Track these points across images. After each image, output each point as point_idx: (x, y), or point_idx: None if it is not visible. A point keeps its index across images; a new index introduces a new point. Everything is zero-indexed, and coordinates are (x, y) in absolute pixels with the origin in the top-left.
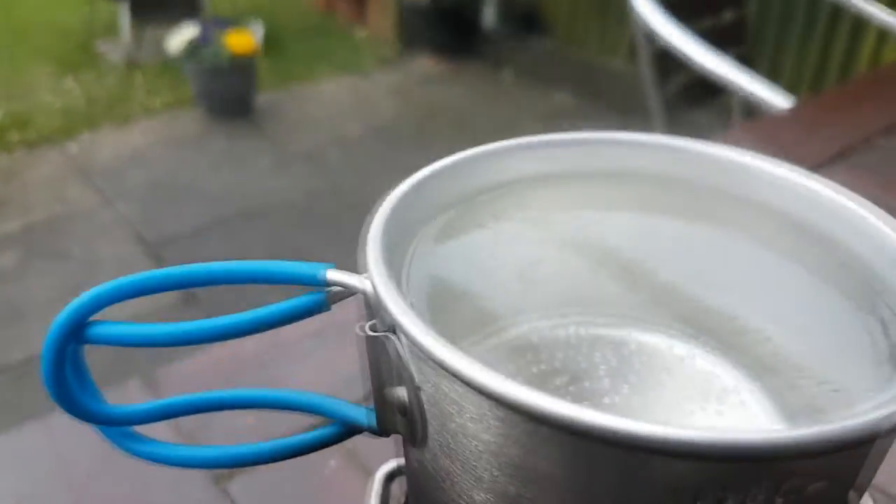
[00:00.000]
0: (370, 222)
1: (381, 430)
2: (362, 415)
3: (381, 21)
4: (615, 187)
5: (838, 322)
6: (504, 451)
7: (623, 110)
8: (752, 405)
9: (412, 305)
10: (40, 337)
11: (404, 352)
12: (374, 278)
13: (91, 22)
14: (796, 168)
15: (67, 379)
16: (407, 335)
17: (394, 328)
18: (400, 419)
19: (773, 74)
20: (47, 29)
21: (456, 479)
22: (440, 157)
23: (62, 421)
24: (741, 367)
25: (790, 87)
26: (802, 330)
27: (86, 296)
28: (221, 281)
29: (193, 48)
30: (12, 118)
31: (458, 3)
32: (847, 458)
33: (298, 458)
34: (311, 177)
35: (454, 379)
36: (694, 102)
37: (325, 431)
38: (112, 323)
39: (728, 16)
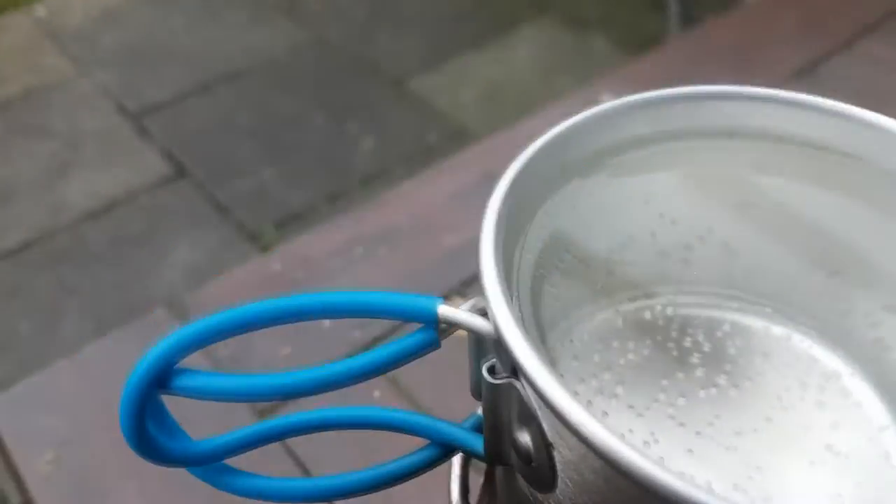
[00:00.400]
0: (481, 234)
1: (491, 461)
2: (467, 438)
3: None
4: (725, 145)
5: None
6: None
7: None
8: (855, 393)
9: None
10: (33, 218)
11: (531, 401)
12: (496, 319)
13: None
14: None
15: (149, 429)
16: (544, 400)
17: (517, 373)
18: (517, 461)
19: None
20: None
21: None
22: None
23: (95, 358)
24: (841, 349)
25: None
26: None
27: (170, 338)
28: (321, 314)
29: None
30: None
31: None
32: None
33: (343, 392)
34: (293, 30)
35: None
36: None
37: (425, 455)
38: (200, 373)
39: None
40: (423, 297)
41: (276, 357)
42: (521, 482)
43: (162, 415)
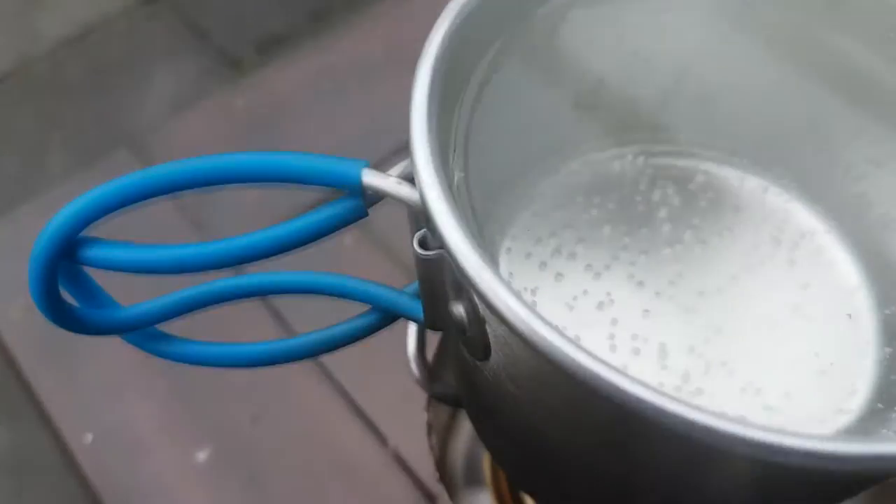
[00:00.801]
0: (414, 94)
1: (431, 326)
2: (407, 304)
3: None
4: None
5: None
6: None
7: None
8: (829, 251)
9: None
10: (8, 49)
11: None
12: (423, 190)
13: None
14: None
15: (66, 299)
16: (474, 289)
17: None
18: (454, 330)
19: None
20: None
21: (518, 403)
22: None
23: (58, 203)
24: (820, 204)
25: None
26: None
27: (71, 206)
28: (233, 180)
29: None
30: None
31: None
32: None
33: (314, 243)
34: None
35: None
36: None
37: (364, 321)
38: (109, 243)
39: None
40: (347, 160)
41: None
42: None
43: (83, 283)
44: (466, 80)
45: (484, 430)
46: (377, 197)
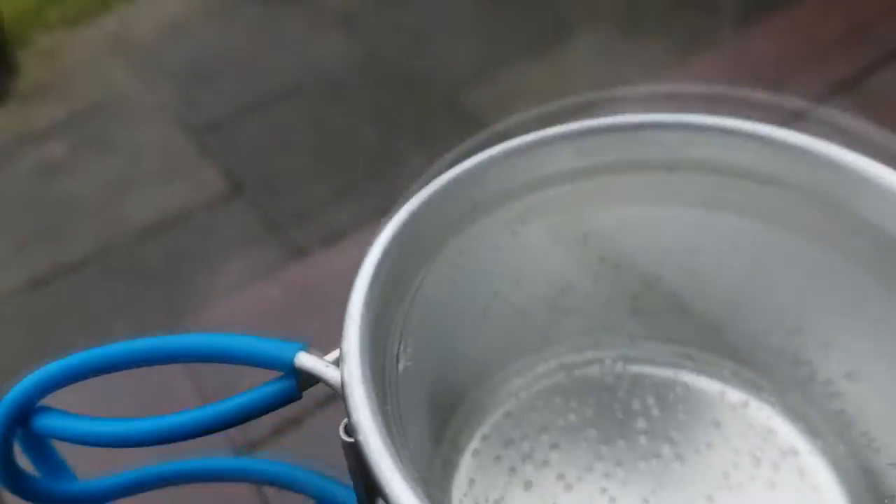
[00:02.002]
0: (358, 278)
1: None
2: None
3: None
4: (667, 179)
5: None
6: None
7: None
8: (812, 474)
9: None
10: (93, 233)
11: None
12: (346, 373)
13: None
14: None
15: (18, 466)
16: (375, 478)
17: None
18: None
19: None
20: None
21: None
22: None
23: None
24: (802, 422)
25: None
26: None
27: (28, 380)
28: (176, 358)
29: None
30: None
31: None
32: None
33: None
34: (347, 44)
35: None
36: None
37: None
38: (60, 414)
39: None
40: (283, 342)
41: None
42: None
43: (43, 452)
44: (418, 273)
45: None
46: (313, 380)
